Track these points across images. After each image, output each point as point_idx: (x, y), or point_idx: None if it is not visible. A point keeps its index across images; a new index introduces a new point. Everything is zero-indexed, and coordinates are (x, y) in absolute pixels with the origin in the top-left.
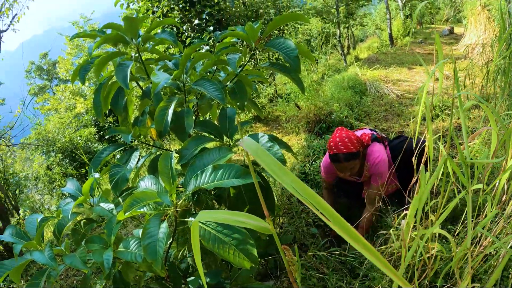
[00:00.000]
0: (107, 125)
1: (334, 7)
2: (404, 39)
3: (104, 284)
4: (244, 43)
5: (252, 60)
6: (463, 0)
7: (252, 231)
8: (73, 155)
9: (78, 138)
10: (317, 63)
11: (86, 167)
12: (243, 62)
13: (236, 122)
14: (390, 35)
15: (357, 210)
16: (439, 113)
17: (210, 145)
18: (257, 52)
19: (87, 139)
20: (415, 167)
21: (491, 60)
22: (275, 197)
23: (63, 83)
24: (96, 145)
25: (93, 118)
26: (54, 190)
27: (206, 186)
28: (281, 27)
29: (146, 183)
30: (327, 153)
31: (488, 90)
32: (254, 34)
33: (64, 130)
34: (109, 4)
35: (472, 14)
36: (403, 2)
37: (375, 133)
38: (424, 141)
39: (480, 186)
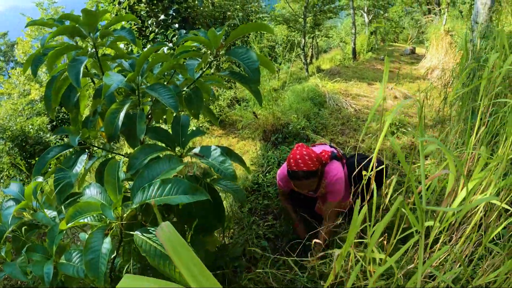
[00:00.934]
0: (60, 115)
1: (302, 16)
2: (367, 54)
3: None
4: (206, 48)
5: (215, 64)
6: (427, 23)
7: (201, 244)
8: (23, 144)
9: (30, 126)
10: (278, 70)
11: (36, 158)
12: (202, 69)
13: (189, 131)
14: (354, 49)
15: (309, 222)
16: (395, 131)
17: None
18: (219, 58)
19: (39, 128)
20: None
21: (449, 83)
22: (226, 207)
23: (19, 67)
24: (48, 135)
25: None
26: (2, 181)
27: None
28: None
29: (92, 192)
30: (284, 165)
31: (445, 113)
32: (216, 41)
33: (16, 117)
34: None
35: (435, 37)
36: (369, 18)
37: (335, 151)
38: (382, 162)
39: (430, 223)
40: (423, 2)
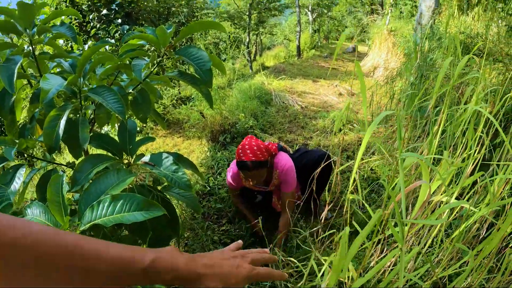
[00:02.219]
0: None
1: (247, 13)
2: (310, 52)
3: None
4: (153, 47)
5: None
6: (370, 23)
7: None
8: None
9: None
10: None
11: None
12: (149, 69)
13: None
14: (298, 47)
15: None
16: (341, 127)
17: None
18: (165, 58)
19: None
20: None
21: (392, 80)
22: (178, 214)
23: None
24: None
25: None
26: None
27: (104, 220)
28: None
29: (34, 212)
30: (233, 162)
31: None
32: (165, 40)
33: None
34: None
35: (378, 37)
36: (313, 17)
37: (280, 143)
38: (329, 156)
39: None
40: (366, 2)
